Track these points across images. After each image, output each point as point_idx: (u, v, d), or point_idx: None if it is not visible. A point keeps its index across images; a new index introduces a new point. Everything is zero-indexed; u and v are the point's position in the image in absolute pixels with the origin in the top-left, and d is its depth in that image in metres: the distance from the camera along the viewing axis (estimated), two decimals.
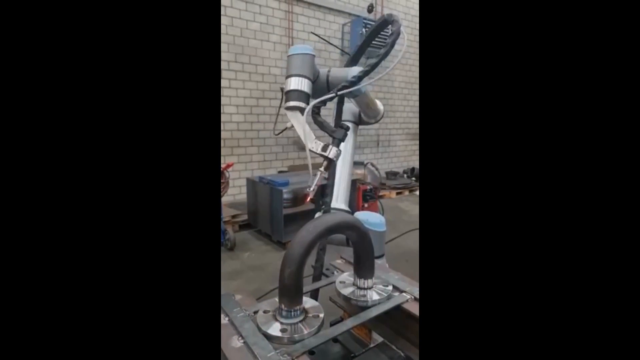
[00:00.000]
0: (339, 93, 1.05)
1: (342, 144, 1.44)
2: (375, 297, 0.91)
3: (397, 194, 5.82)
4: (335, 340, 1.13)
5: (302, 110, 1.03)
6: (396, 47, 1.14)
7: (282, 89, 1.09)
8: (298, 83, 1.06)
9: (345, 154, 1.41)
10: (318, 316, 0.81)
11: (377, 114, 1.50)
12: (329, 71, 1.20)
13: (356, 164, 5.34)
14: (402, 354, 0.91)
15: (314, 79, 1.13)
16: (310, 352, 1.08)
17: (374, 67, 1.04)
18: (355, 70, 1.10)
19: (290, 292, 0.77)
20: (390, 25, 1.09)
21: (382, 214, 4.38)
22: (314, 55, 1.12)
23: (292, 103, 1.04)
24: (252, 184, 3.83)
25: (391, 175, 6.31)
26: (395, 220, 4.46)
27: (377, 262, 1.41)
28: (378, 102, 1.48)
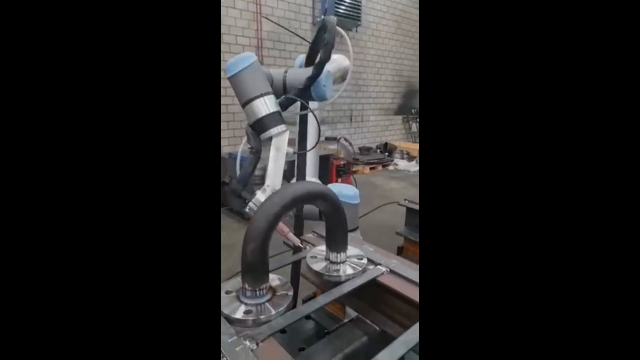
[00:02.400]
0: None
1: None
2: (349, 271, 0.85)
3: (371, 169, 5.84)
4: (307, 317, 1.08)
5: (284, 132, 0.92)
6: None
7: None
8: (265, 104, 0.90)
9: (310, 128, 1.30)
10: (287, 294, 0.74)
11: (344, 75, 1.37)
12: (285, 72, 1.06)
13: (329, 139, 5.26)
14: (377, 328, 0.87)
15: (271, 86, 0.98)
16: (282, 331, 1.03)
17: (317, 74, 0.95)
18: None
19: (254, 270, 0.69)
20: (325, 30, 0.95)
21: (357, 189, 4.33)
22: (257, 60, 0.94)
23: (275, 130, 0.91)
24: (222, 161, 3.67)
25: (364, 150, 6.30)
26: (369, 195, 4.47)
27: (352, 235, 1.36)
28: (343, 60, 1.33)
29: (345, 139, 5.02)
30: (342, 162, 4.27)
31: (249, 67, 0.90)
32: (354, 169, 5.17)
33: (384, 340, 0.74)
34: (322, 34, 0.97)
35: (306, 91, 1.01)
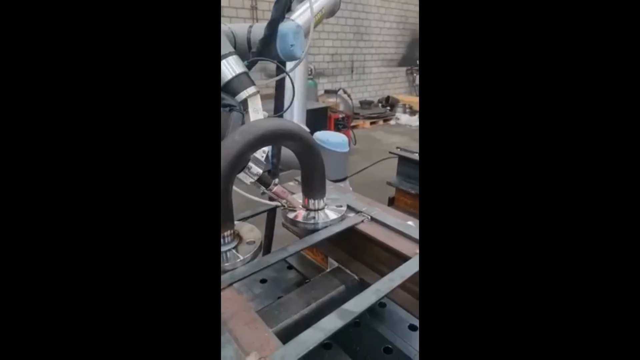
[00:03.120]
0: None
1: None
2: (327, 218, 0.79)
3: (372, 123, 5.67)
4: (290, 267, 1.05)
5: (256, 94, 0.80)
6: None
7: None
8: (229, 67, 0.78)
9: (295, 75, 1.17)
10: (254, 242, 0.68)
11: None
12: (250, 27, 0.90)
13: (328, 92, 5.05)
14: (356, 277, 0.82)
15: (234, 46, 0.85)
16: (262, 280, 1.00)
17: (269, 35, 0.82)
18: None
19: None
20: None
21: (355, 144, 4.27)
22: None
23: (245, 93, 0.78)
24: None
25: (365, 104, 6.08)
26: (369, 149, 4.37)
27: (339, 185, 1.29)
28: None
29: (344, 91, 4.81)
30: (340, 116, 4.12)
31: None
32: (353, 124, 5.02)
33: (362, 289, 0.69)
34: None
35: (269, 50, 0.88)
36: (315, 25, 1.07)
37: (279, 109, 1.12)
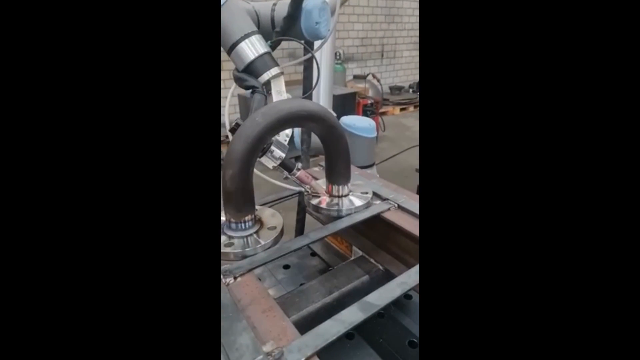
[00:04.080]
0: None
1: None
2: (352, 205, 0.76)
3: (401, 110, 5.50)
4: (313, 254, 1.03)
5: (279, 75, 0.77)
6: None
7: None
8: (251, 47, 0.75)
9: (321, 57, 1.12)
10: (275, 228, 0.66)
11: None
12: (274, 5, 0.85)
13: (357, 77, 4.93)
14: (381, 268, 0.79)
15: (258, 26, 0.81)
16: (285, 267, 0.99)
17: (293, 13, 0.78)
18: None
19: (235, 199, 0.61)
20: None
21: (384, 131, 4.16)
22: None
23: (267, 75, 0.76)
24: (244, 100, 3.57)
25: (395, 90, 5.89)
26: (398, 137, 4.25)
27: (367, 171, 1.25)
28: None
29: (374, 76, 4.68)
30: (369, 102, 4.02)
31: (224, 5, 0.75)
32: (382, 110, 4.89)
33: (387, 280, 0.66)
34: None
35: (294, 29, 0.83)
36: (342, 3, 1.01)
37: (307, 90, 1.09)
